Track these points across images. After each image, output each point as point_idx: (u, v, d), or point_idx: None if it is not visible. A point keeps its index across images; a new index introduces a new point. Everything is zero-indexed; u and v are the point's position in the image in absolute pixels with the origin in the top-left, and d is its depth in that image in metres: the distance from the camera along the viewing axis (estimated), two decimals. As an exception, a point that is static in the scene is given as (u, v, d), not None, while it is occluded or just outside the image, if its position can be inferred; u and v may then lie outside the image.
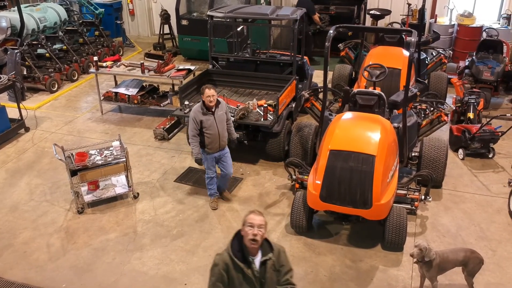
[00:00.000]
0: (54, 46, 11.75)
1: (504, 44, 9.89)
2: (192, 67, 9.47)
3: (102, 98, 9.61)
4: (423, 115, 7.25)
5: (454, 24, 12.03)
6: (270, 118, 7.31)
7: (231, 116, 6.73)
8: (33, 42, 11.45)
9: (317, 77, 10.23)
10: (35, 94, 10.69)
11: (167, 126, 8.66)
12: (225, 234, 6.12)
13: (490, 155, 7.71)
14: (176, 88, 9.59)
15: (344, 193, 5.41)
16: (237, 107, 7.51)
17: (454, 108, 8.39)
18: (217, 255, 3.50)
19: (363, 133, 5.90)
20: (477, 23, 11.73)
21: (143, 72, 9.28)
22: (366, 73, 6.98)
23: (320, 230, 6.15)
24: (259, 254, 3.44)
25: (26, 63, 10.65)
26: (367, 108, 6.38)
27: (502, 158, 7.73)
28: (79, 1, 13.85)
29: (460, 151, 7.78)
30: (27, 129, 9.02)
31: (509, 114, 7.98)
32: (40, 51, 11.44)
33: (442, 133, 7.99)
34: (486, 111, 8.92)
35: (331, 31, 5.88)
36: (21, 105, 8.96)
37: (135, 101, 9.33)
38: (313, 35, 12.11)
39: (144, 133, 8.87)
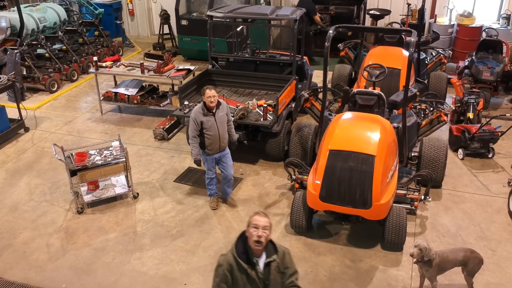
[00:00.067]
0: (54, 46, 11.75)
1: (503, 44, 9.89)
2: (192, 67, 9.48)
3: (101, 98, 9.60)
4: (422, 115, 7.25)
5: (453, 24, 12.03)
6: (269, 118, 7.31)
7: (231, 116, 6.72)
8: (33, 42, 11.45)
9: (317, 77, 10.23)
10: (35, 94, 10.69)
11: (166, 126, 8.66)
12: (225, 234, 6.12)
13: (490, 155, 7.71)
14: (175, 88, 9.59)
15: (344, 193, 5.41)
16: (237, 107, 7.52)
17: (453, 108, 8.39)
18: (221, 256, 3.49)
19: (362, 133, 5.90)
20: (477, 23, 11.74)
21: (142, 72, 9.28)
22: (365, 73, 6.99)
23: (319, 230, 6.15)
24: (264, 256, 3.44)
25: (26, 63, 10.65)
26: (366, 108, 6.38)
27: (501, 158, 7.73)
28: (78, 1, 13.85)
29: (460, 151, 7.79)
30: (26, 129, 9.02)
31: (509, 114, 7.99)
32: (39, 51, 11.44)
33: (442, 133, 8.00)
34: (485, 111, 8.93)
35: (331, 31, 5.89)
36: (20, 105, 8.96)
37: (135, 101, 9.33)
38: (314, 35, 12.12)
39: (143, 133, 8.87)
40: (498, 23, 11.92)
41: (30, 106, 9.94)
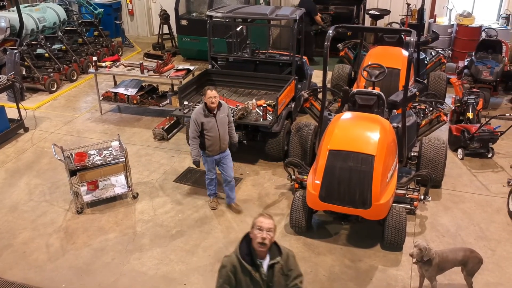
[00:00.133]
0: (53, 46, 11.75)
1: (503, 44, 9.89)
2: (192, 67, 9.48)
3: (101, 98, 9.60)
4: (422, 115, 7.25)
5: (453, 24, 12.05)
6: (269, 118, 7.31)
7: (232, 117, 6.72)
8: (32, 42, 11.45)
9: (317, 77, 10.23)
10: (34, 94, 10.69)
11: (166, 126, 8.65)
12: (225, 234, 6.12)
13: (489, 155, 7.71)
14: (175, 88, 9.60)
15: (344, 193, 5.41)
16: (237, 107, 7.52)
17: (453, 108, 8.39)
18: (225, 257, 3.49)
19: (362, 133, 5.90)
20: (476, 23, 11.75)
21: (142, 72, 9.28)
22: (365, 73, 6.99)
23: (319, 230, 6.15)
24: (267, 257, 3.43)
25: (25, 63, 10.65)
26: (366, 108, 6.38)
27: (501, 158, 7.73)
28: (78, 1, 13.85)
29: (459, 151, 7.79)
30: (26, 129, 9.01)
31: (508, 114, 8.00)
32: (39, 51, 11.44)
33: (441, 133, 8.00)
34: (485, 111, 8.93)
35: (330, 31, 5.89)
36: (20, 105, 8.96)
37: (135, 101, 9.33)
38: (315, 35, 12.12)
39: (143, 133, 8.87)
40: (498, 23, 11.93)
41: (30, 106, 9.93)
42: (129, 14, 15.17)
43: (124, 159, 6.54)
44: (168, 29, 13.68)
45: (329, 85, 8.65)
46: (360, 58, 9.71)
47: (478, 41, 10.42)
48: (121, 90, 9.51)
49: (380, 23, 11.94)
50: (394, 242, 5.61)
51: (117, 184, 6.93)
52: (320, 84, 7.80)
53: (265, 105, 7.34)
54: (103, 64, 9.61)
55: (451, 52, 10.94)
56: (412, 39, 5.73)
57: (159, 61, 9.40)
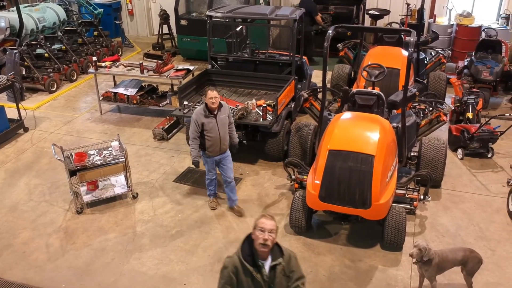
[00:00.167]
0: (53, 46, 11.76)
1: (503, 44, 9.90)
2: (191, 67, 9.47)
3: (101, 98, 9.60)
4: (422, 115, 7.24)
5: (453, 24, 12.05)
6: (269, 118, 7.31)
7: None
8: (32, 42, 11.45)
9: (317, 77, 10.23)
10: (34, 94, 10.69)
11: (166, 126, 8.65)
12: (224, 234, 6.12)
13: (489, 155, 7.71)
14: (175, 88, 9.59)
15: (343, 193, 5.42)
16: (236, 107, 7.52)
17: (453, 108, 8.40)
18: (227, 258, 3.49)
19: (362, 133, 5.90)
20: (476, 23, 11.75)
21: (142, 72, 9.28)
22: (365, 73, 6.99)
23: (319, 230, 6.15)
24: (269, 259, 3.43)
25: (25, 63, 10.65)
26: (366, 108, 6.38)
27: (501, 158, 7.74)
28: (78, 1, 13.84)
29: (459, 151, 7.79)
30: (26, 129, 9.01)
31: (508, 114, 8.00)
32: (39, 51, 11.44)
33: (441, 133, 8.00)
34: (485, 111, 8.93)
35: (330, 31, 5.90)
36: (20, 105, 8.97)
37: (134, 101, 9.33)
38: (315, 35, 12.12)
39: (143, 133, 8.87)
40: (497, 23, 11.94)
41: (30, 106, 9.93)
42: (129, 14, 15.17)
43: (124, 159, 6.53)
44: (168, 29, 13.68)
45: (329, 85, 8.66)
46: (360, 58, 9.71)
47: (477, 41, 10.43)
48: (121, 90, 9.51)
49: (380, 23, 11.95)
50: (394, 242, 5.61)
51: (117, 184, 6.93)
52: (320, 84, 7.80)
53: (265, 105, 7.34)
54: (103, 64, 9.61)
55: (450, 52, 10.94)
56: (411, 39, 5.73)
57: (159, 61, 9.40)
